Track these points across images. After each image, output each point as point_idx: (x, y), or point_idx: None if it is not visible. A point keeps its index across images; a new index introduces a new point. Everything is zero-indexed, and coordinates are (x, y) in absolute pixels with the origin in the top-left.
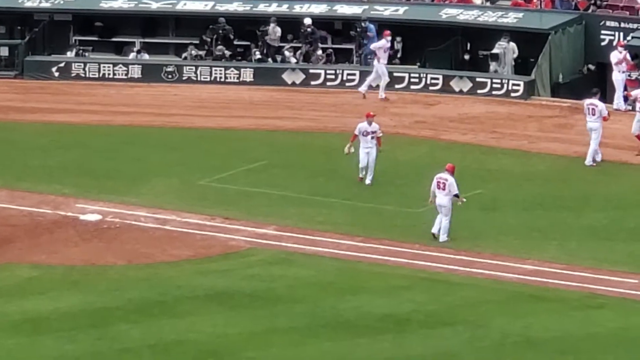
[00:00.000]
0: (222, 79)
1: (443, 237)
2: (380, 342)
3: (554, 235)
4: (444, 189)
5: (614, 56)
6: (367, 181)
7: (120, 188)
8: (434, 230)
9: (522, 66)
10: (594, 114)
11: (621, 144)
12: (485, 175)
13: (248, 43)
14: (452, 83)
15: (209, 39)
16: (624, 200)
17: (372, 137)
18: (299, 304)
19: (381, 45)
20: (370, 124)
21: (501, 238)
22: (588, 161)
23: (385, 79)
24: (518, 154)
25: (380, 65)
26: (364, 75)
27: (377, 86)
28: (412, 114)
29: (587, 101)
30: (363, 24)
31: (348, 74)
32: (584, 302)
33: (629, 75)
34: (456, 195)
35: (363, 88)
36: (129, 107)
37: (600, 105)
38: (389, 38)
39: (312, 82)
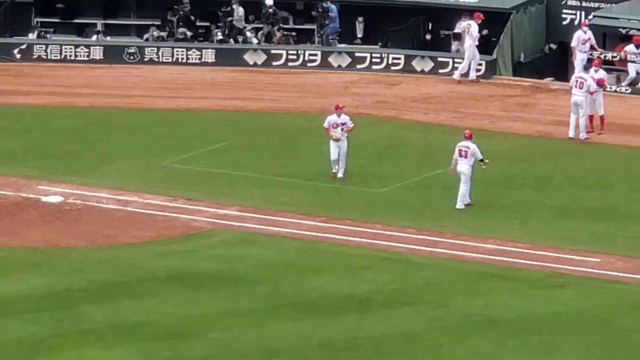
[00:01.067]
0: (184, 60)
1: (460, 205)
2: (342, 322)
3: (516, 214)
4: (465, 157)
5: (578, 37)
6: (340, 174)
7: (82, 169)
8: (459, 206)
9: (484, 45)
10: (581, 88)
11: (581, 123)
12: (447, 155)
13: (209, 24)
14: (413, 63)
15: (171, 20)
16: (586, 180)
17: (343, 129)
18: (260, 284)
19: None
20: (339, 115)
21: (463, 217)
22: (582, 135)
23: (476, 60)
24: (480, 134)
25: (469, 47)
26: (325, 55)
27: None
28: (373, 93)
29: (577, 74)
30: (324, 5)
31: (310, 55)
32: (547, 281)
33: (591, 54)
34: (481, 160)
35: (457, 75)
36: (91, 88)
37: (589, 80)
38: (479, 21)
39: (274, 63)
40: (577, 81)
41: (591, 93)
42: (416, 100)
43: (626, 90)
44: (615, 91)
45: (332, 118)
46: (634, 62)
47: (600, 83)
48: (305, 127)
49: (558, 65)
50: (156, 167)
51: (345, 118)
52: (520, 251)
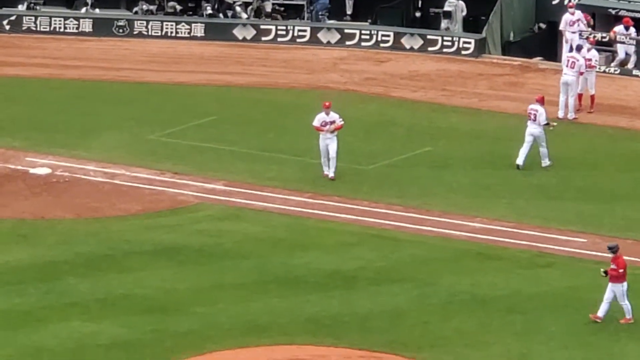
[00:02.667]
0: (173, 34)
1: (545, 162)
2: (329, 299)
3: (503, 193)
4: (534, 120)
5: (565, 19)
6: (331, 174)
7: (70, 142)
8: (519, 161)
9: (473, 24)
10: (572, 67)
11: (570, 103)
12: (435, 133)
13: None
14: (403, 40)
15: None
16: (573, 160)
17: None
18: (247, 259)
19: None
20: (327, 114)
21: (450, 196)
22: (571, 115)
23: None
24: (468, 112)
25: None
26: (314, 31)
27: None
28: (362, 70)
29: (569, 54)
30: None
31: (299, 30)
32: (533, 260)
33: (580, 35)
34: (546, 124)
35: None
36: (80, 61)
37: (581, 60)
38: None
39: (263, 38)
40: (569, 61)
41: (581, 73)
42: (405, 78)
43: (615, 71)
44: (604, 72)
45: (321, 116)
46: (622, 43)
47: (587, 65)
48: (294, 103)
49: (547, 44)
50: (144, 140)
51: (334, 116)
52: (506, 230)
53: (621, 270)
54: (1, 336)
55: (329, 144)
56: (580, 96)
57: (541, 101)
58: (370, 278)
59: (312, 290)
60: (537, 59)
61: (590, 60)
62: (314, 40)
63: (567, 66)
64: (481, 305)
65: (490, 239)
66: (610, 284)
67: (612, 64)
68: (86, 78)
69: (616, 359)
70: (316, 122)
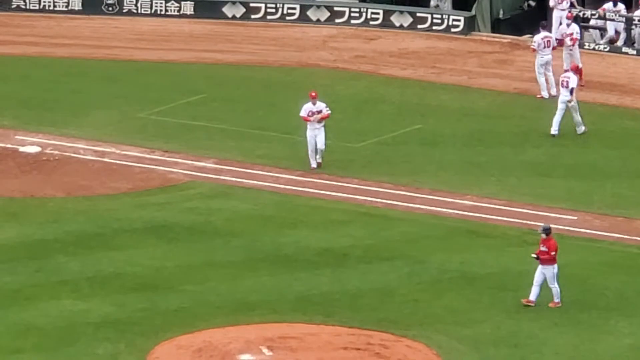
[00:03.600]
0: (163, 12)
1: (580, 129)
2: (319, 277)
3: (493, 171)
4: (567, 87)
5: None
6: (318, 159)
7: (60, 120)
8: (553, 131)
9: (462, 2)
10: (548, 46)
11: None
12: (424, 111)
13: None
14: (392, 18)
15: None
16: (563, 137)
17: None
18: (237, 237)
19: None
20: (314, 103)
21: (440, 173)
22: (554, 90)
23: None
24: (458, 90)
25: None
26: (304, 9)
27: None
28: (352, 48)
29: (542, 34)
30: None
31: (288, 8)
32: (522, 238)
33: (570, 11)
34: (571, 91)
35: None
36: (69, 39)
37: (553, 37)
38: None
39: (253, 16)
40: (545, 41)
41: (554, 48)
42: (394, 55)
43: (604, 48)
44: (594, 49)
45: (308, 106)
46: (612, 20)
47: (570, 40)
48: (283, 81)
49: (537, 22)
50: (133, 118)
51: (320, 105)
52: (496, 208)
53: (553, 253)
54: None
55: (317, 134)
56: (580, 71)
57: (575, 69)
58: (360, 256)
59: (302, 268)
60: (526, 37)
61: (571, 34)
62: (303, 18)
63: (544, 47)
64: (471, 283)
65: (481, 217)
66: (540, 267)
67: (602, 41)
68: (76, 56)
69: (607, 336)
70: (303, 113)
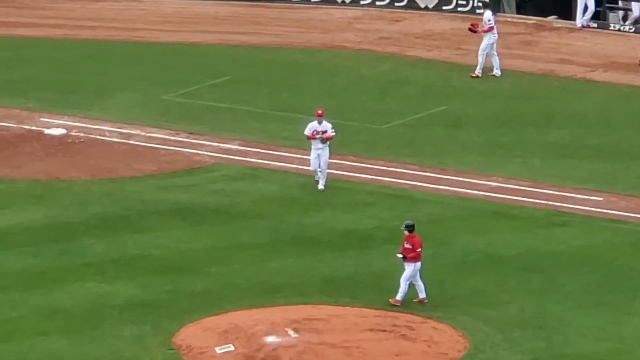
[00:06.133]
0: None
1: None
2: (344, 258)
3: (518, 152)
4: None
5: None
6: (321, 186)
7: (84, 102)
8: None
9: None
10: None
11: (585, 61)
12: (449, 92)
13: None
14: None
15: None
16: (587, 118)
17: (322, 138)
18: (262, 219)
19: None
20: (320, 122)
21: (465, 155)
22: (497, 72)
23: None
24: (483, 71)
25: None
26: None
27: None
28: (377, 29)
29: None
30: None
31: None
32: (548, 219)
33: None
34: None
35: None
36: (94, 21)
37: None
38: None
39: None
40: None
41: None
42: (419, 37)
43: (630, 29)
44: (619, 30)
45: (313, 125)
46: (637, 1)
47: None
48: (308, 62)
49: (562, 3)
50: (158, 100)
51: (326, 125)
52: (521, 189)
53: (418, 250)
54: (16, 297)
55: (321, 154)
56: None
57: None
58: (386, 237)
59: (327, 250)
60: (551, 18)
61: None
62: (328, 0)
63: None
64: (496, 264)
65: (506, 198)
66: (405, 264)
67: (627, 22)
68: (100, 38)
69: (632, 318)
70: (307, 131)
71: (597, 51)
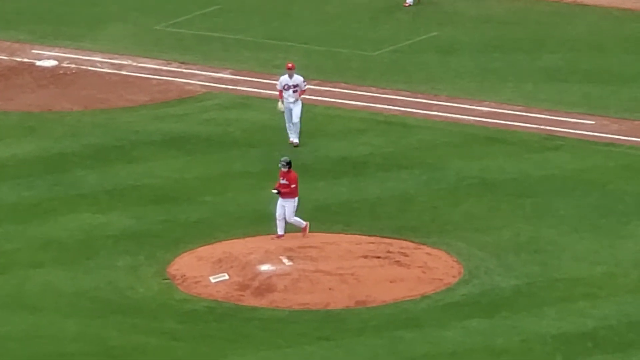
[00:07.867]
0: None
1: None
2: (338, 186)
3: (510, 77)
4: None
5: None
6: (295, 140)
7: (75, 33)
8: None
9: None
10: None
11: None
12: (441, 18)
13: None
14: None
15: None
16: (579, 42)
17: (295, 91)
18: (255, 148)
19: None
20: (291, 76)
21: (457, 81)
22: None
23: None
24: None
25: None
26: None
27: None
28: None
29: None
30: None
31: None
32: (541, 143)
33: None
34: None
35: None
36: None
37: None
38: None
39: None
40: None
41: None
42: None
43: None
44: None
45: (284, 79)
46: None
47: None
48: None
49: None
50: (150, 30)
51: (298, 79)
52: (514, 114)
53: (293, 186)
54: (10, 229)
55: (292, 108)
56: None
57: None
58: (379, 164)
59: (320, 178)
60: None
61: None
62: None
63: None
64: (490, 190)
65: (499, 123)
66: (280, 200)
67: None
68: None
69: (625, 241)
70: (279, 85)
71: None
